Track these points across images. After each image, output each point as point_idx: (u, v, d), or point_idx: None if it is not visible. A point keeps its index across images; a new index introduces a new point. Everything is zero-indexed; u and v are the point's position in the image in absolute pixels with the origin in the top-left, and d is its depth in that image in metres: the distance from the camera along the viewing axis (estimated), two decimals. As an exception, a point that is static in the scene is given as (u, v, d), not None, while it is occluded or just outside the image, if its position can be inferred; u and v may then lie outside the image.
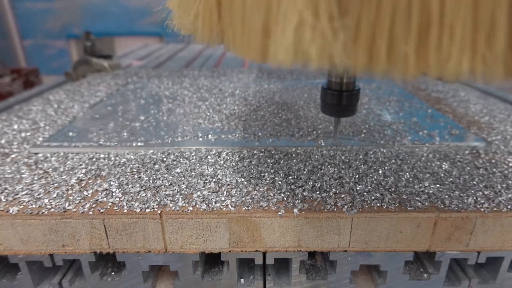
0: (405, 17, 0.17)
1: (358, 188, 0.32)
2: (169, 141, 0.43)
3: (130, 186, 0.33)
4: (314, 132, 0.45)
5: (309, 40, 0.17)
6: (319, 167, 0.37)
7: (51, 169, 0.37)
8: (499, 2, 0.16)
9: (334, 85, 0.35)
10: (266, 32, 0.20)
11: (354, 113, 0.37)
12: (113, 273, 0.33)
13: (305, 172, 0.36)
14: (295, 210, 0.29)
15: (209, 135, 0.45)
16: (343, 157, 0.39)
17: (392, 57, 0.17)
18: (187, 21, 0.27)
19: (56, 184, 0.34)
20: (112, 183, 0.34)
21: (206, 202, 0.30)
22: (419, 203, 0.30)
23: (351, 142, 0.42)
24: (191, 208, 0.30)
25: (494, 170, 0.36)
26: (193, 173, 0.36)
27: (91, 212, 0.29)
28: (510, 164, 0.38)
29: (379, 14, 0.17)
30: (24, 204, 0.31)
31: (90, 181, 0.34)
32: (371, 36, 0.17)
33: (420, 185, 0.33)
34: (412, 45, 0.17)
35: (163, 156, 0.40)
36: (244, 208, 0.30)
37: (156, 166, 0.37)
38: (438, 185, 0.33)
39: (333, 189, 0.32)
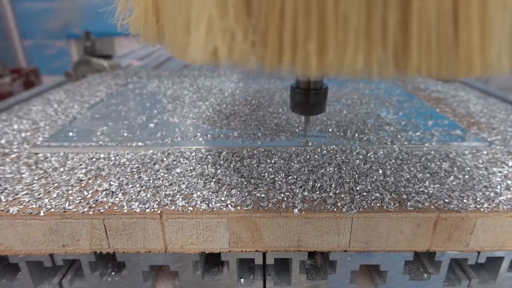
0: (306, 17, 0.18)
1: (358, 188, 0.32)
2: (169, 141, 0.43)
3: (130, 186, 0.33)
4: (314, 132, 0.45)
5: (219, 40, 0.18)
6: (319, 167, 0.37)
7: (51, 169, 0.37)
8: (389, 3, 0.17)
9: (302, 84, 0.35)
10: (187, 31, 0.21)
11: (322, 111, 0.38)
12: (113, 273, 0.33)
13: (305, 172, 0.36)
14: (295, 210, 0.29)
15: (209, 135, 0.45)
16: (343, 157, 0.39)
17: (297, 56, 0.18)
18: (132, 21, 0.28)
19: (56, 184, 0.34)
20: (112, 183, 0.34)
21: (206, 202, 0.30)
22: (419, 203, 0.30)
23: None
24: (191, 208, 0.30)
25: (494, 170, 0.36)
26: (193, 173, 0.36)
27: (91, 212, 0.29)
28: (510, 164, 0.38)
29: (283, 15, 0.18)
30: (24, 204, 0.31)
31: (90, 181, 0.34)
32: (278, 36, 0.18)
33: (420, 185, 0.33)
34: (313, 44, 0.18)
35: (163, 156, 0.40)
36: (244, 208, 0.30)
37: (156, 166, 0.37)
38: (438, 185, 0.33)
39: (333, 189, 0.32)
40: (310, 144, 0.42)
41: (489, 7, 0.17)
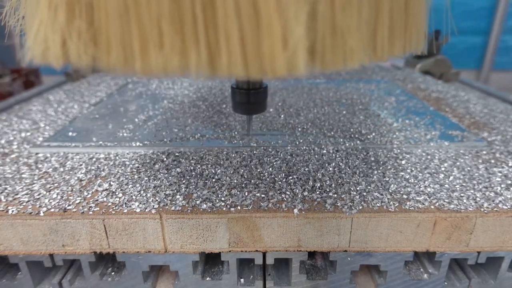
0: (126, 20, 0.19)
1: (358, 188, 0.32)
2: (169, 141, 0.43)
3: (130, 186, 0.33)
4: (313, 132, 0.45)
5: (50, 41, 0.20)
6: (319, 167, 0.37)
7: (51, 169, 0.37)
8: (196, 4, 0.18)
9: (241, 84, 0.35)
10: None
11: (264, 110, 0.37)
12: (113, 273, 0.33)
13: (305, 172, 0.36)
14: (295, 210, 0.29)
15: (209, 135, 0.45)
16: (342, 158, 0.39)
17: (124, 56, 0.19)
18: (19, 23, 0.29)
19: (56, 184, 0.34)
20: (112, 183, 0.34)
21: (206, 202, 0.30)
22: (419, 203, 0.30)
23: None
24: (191, 208, 0.30)
25: (494, 170, 0.36)
26: (193, 173, 0.36)
27: (91, 212, 0.29)
28: (510, 164, 0.38)
29: (107, 17, 0.19)
30: (24, 204, 0.31)
31: (90, 181, 0.34)
32: (106, 37, 0.19)
33: (420, 185, 0.33)
34: (137, 45, 0.19)
35: (163, 156, 0.39)
36: (244, 208, 0.30)
37: (156, 166, 0.37)
38: (438, 185, 0.33)
39: (333, 189, 0.32)
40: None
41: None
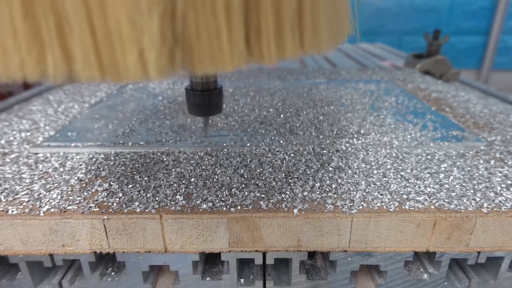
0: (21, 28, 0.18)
1: (358, 188, 0.33)
2: (169, 141, 0.43)
3: (130, 186, 0.33)
4: (313, 132, 0.45)
5: None
6: (319, 167, 0.37)
7: (51, 169, 0.37)
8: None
9: (196, 85, 0.34)
10: None
11: (219, 111, 0.37)
12: (113, 273, 0.33)
13: (305, 172, 0.36)
14: (295, 210, 0.29)
15: (209, 135, 0.45)
16: (342, 158, 0.39)
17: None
18: None
19: (56, 184, 0.34)
20: (112, 183, 0.34)
21: (206, 202, 0.30)
22: (419, 203, 0.30)
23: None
24: (191, 208, 0.30)
25: (494, 170, 0.36)
26: (193, 173, 0.36)
27: (91, 212, 0.29)
28: (510, 164, 0.38)
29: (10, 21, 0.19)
30: (24, 204, 0.31)
31: (90, 181, 0.34)
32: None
33: (420, 185, 0.33)
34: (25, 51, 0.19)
35: (163, 156, 0.40)
36: (244, 208, 0.30)
37: (156, 166, 0.37)
38: (438, 185, 0.33)
39: (333, 189, 0.32)
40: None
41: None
